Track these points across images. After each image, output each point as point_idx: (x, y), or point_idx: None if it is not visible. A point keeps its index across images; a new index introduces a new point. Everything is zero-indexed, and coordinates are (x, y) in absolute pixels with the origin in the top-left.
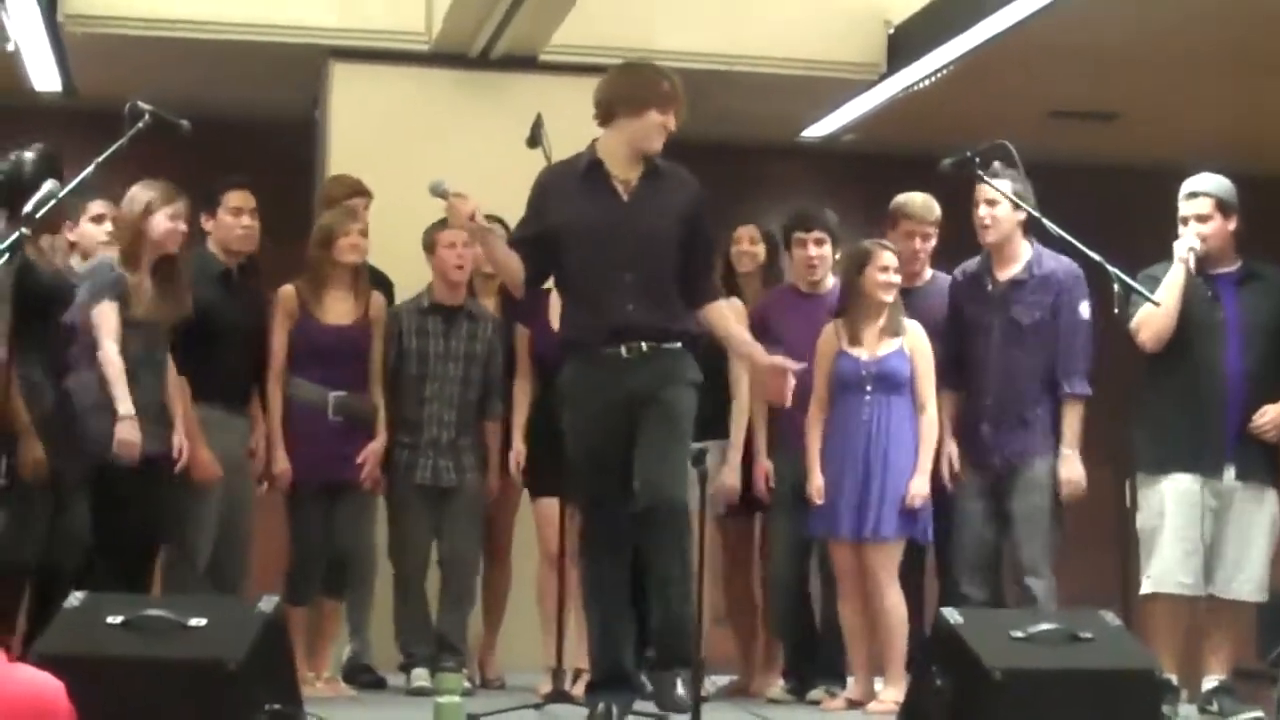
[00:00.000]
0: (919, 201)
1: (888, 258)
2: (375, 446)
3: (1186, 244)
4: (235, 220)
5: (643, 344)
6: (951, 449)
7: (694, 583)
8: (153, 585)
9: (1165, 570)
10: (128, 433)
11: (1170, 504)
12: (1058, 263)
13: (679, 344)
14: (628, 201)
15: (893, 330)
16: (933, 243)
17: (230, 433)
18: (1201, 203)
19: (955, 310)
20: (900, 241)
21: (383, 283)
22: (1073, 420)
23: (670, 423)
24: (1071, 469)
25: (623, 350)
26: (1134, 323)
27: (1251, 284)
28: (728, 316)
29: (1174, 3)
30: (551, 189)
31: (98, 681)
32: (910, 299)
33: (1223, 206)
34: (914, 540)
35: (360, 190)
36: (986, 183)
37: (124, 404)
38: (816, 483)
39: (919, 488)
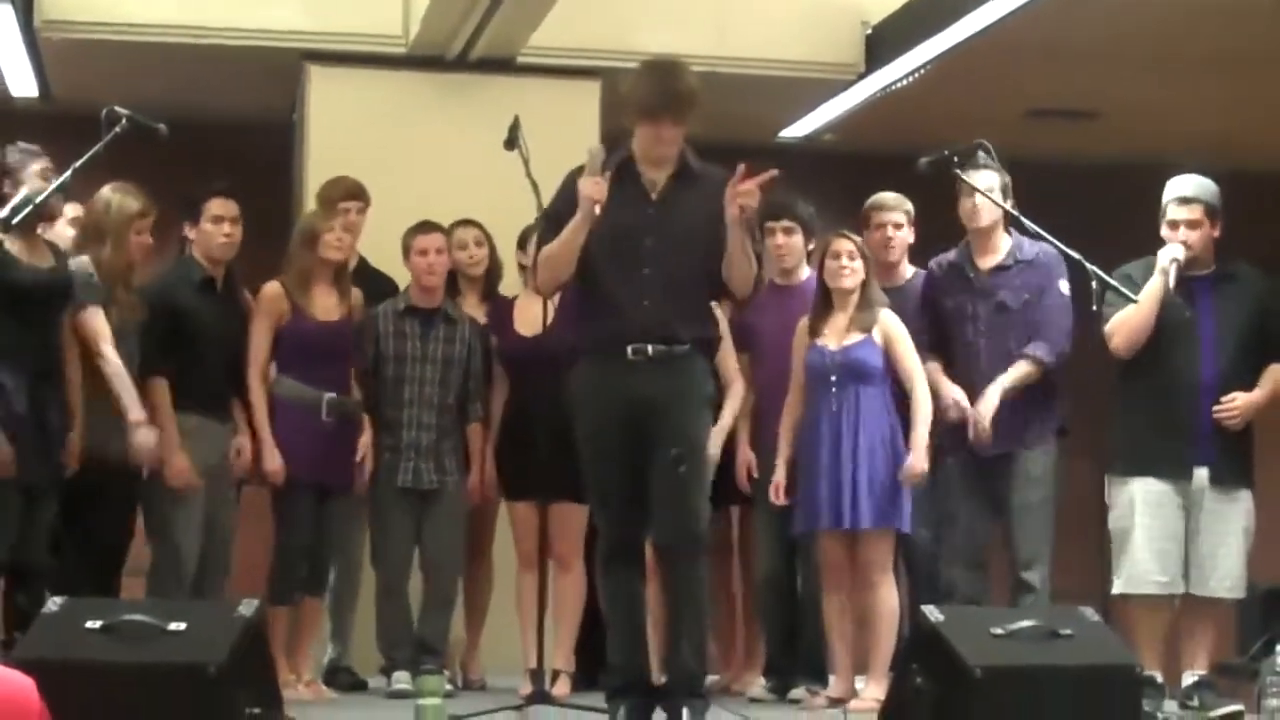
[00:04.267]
0: (886, 195)
1: (842, 244)
2: (366, 440)
3: (1170, 254)
4: (217, 229)
5: (649, 347)
6: (958, 395)
7: (707, 615)
8: (120, 588)
9: (1138, 571)
10: (145, 437)
11: (1141, 504)
12: (1038, 248)
13: (688, 346)
14: (655, 201)
15: (862, 323)
16: (904, 233)
17: (209, 439)
18: (1195, 209)
19: (931, 300)
20: (872, 235)
21: (389, 285)
22: (1017, 373)
23: (688, 456)
24: (985, 404)
25: (629, 352)
26: (1108, 327)
27: (1225, 286)
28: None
29: (1152, 0)
30: (575, 190)
31: (78, 686)
32: (892, 297)
33: (1211, 213)
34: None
35: (354, 194)
36: (966, 182)
37: (135, 409)
38: (778, 479)
39: (918, 464)
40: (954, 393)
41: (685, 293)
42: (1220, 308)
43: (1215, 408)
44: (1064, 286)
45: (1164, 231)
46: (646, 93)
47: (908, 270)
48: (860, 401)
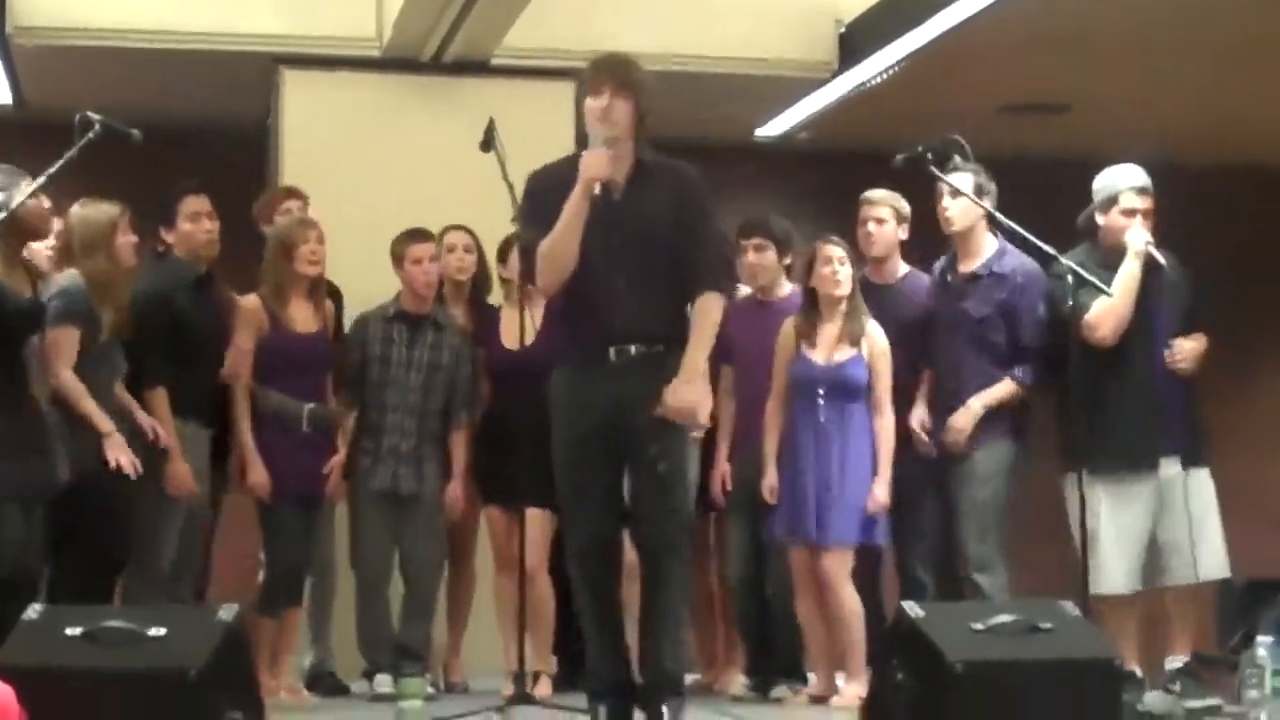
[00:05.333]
0: (875, 190)
1: (832, 251)
2: (338, 460)
3: (1143, 237)
4: (196, 226)
5: (630, 348)
6: (923, 414)
7: (686, 615)
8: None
9: (1109, 572)
10: (118, 449)
11: (1111, 503)
12: (1018, 261)
13: (665, 346)
14: (618, 201)
15: (851, 335)
16: (887, 229)
17: (199, 446)
18: (1149, 198)
19: (929, 302)
20: (859, 230)
21: (332, 292)
22: (999, 392)
23: (669, 463)
24: (963, 418)
25: (611, 354)
26: (1091, 317)
27: (1159, 273)
28: (707, 317)
29: None
30: (548, 191)
31: (59, 693)
32: (883, 295)
33: (1156, 204)
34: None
35: (292, 193)
36: (940, 179)
37: (103, 422)
38: (770, 482)
39: (881, 495)
40: (921, 416)
41: (657, 290)
42: (1164, 295)
43: (1167, 359)
44: (1042, 310)
45: (1114, 220)
46: (589, 70)
47: (900, 268)
48: (846, 417)
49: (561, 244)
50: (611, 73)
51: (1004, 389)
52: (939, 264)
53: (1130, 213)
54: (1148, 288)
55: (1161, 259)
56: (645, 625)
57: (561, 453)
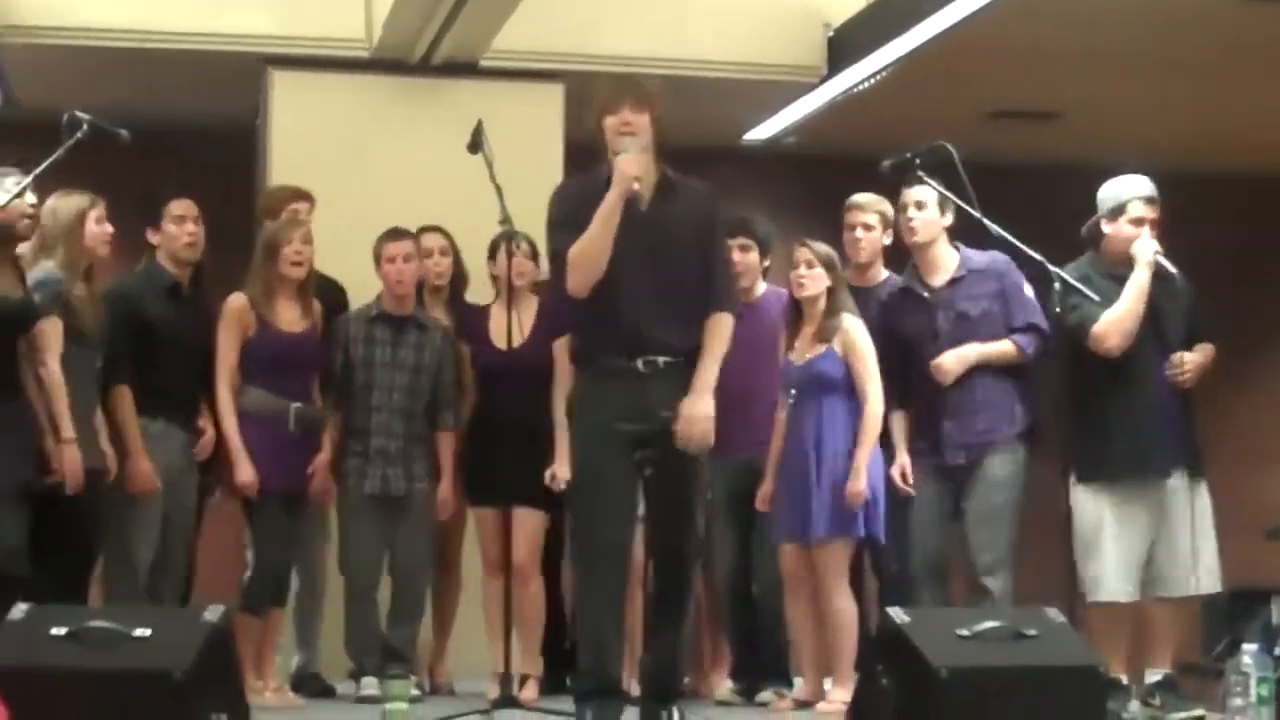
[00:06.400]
0: (862, 195)
1: (801, 253)
2: (322, 459)
3: (1153, 247)
4: (180, 229)
5: (659, 359)
6: (904, 461)
7: (689, 623)
8: (88, 597)
9: (1108, 581)
10: (71, 457)
11: (1111, 511)
12: (988, 256)
13: (685, 360)
14: (645, 213)
15: (824, 332)
16: (875, 235)
17: (172, 444)
18: (1157, 208)
19: (890, 328)
20: (846, 235)
21: (338, 290)
22: (997, 348)
23: (684, 485)
24: (952, 359)
25: (639, 364)
26: (1099, 328)
27: (1161, 284)
28: (718, 336)
29: (1112, 2)
30: (578, 201)
31: (43, 693)
32: (862, 298)
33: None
34: (864, 538)
35: (300, 194)
36: (931, 185)
37: (67, 428)
38: (765, 489)
39: (856, 487)
40: (903, 463)
41: (680, 302)
42: (1163, 306)
43: (1168, 371)
44: (1028, 289)
45: (1121, 229)
46: (603, 91)
47: (881, 273)
48: (822, 412)
49: (596, 245)
50: (627, 90)
51: (1003, 347)
52: (894, 285)
53: (1138, 222)
54: (1156, 298)
55: (1172, 269)
56: (657, 627)
57: (585, 454)
